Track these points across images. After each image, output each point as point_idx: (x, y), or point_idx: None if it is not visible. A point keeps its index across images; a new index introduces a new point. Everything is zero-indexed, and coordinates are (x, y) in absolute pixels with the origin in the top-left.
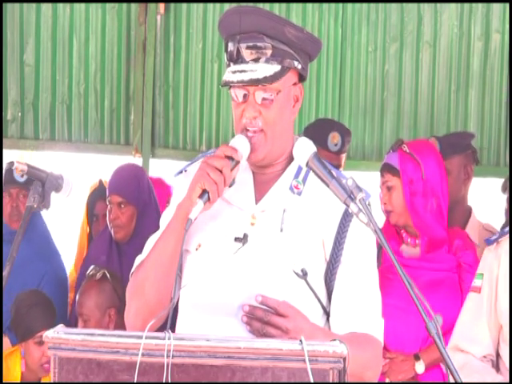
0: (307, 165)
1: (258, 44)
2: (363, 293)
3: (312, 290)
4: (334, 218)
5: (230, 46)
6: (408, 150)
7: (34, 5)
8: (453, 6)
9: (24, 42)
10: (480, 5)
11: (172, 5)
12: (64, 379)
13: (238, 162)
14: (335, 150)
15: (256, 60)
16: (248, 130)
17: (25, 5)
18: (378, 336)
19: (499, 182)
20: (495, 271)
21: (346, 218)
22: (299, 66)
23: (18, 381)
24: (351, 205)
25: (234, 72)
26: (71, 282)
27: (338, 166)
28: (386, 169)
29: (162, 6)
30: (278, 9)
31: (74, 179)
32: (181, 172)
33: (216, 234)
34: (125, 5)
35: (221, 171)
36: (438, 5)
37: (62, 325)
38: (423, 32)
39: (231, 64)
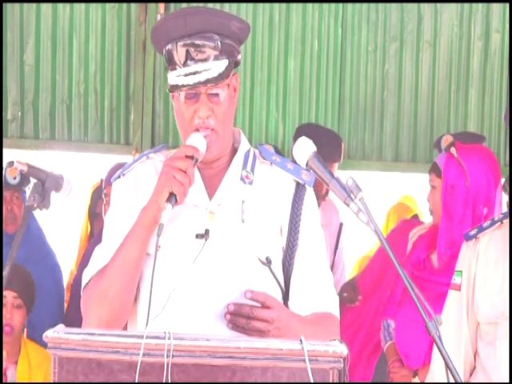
0: (307, 164)
1: (208, 43)
2: (319, 273)
3: (275, 276)
4: (286, 203)
5: (174, 51)
6: (456, 154)
7: (34, 5)
8: (453, 5)
9: (24, 42)
10: (480, 5)
11: (172, 5)
12: (64, 379)
13: (197, 161)
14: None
15: (206, 59)
16: (199, 131)
17: (25, 5)
18: (335, 313)
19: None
20: (473, 268)
21: (298, 201)
22: (239, 57)
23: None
24: (351, 204)
25: (187, 75)
26: (71, 280)
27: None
28: (433, 168)
29: (161, 5)
30: (278, 9)
31: (73, 179)
32: (118, 177)
33: (175, 233)
34: (125, 5)
35: (185, 172)
36: (438, 5)
37: (61, 324)
38: (423, 32)
39: (177, 67)
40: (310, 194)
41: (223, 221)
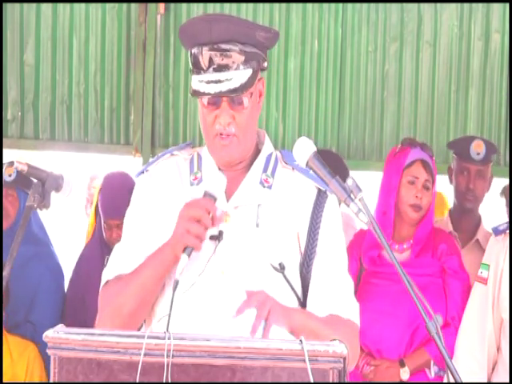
0: (307, 164)
1: (231, 51)
2: (338, 280)
3: (289, 283)
4: (306, 209)
5: (199, 55)
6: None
7: (34, 5)
8: (453, 6)
9: (24, 42)
10: (480, 5)
11: (172, 5)
12: (64, 379)
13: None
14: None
15: (229, 67)
16: (221, 135)
17: (25, 5)
18: (355, 320)
19: (499, 181)
20: (501, 263)
21: (318, 208)
22: (265, 64)
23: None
24: (351, 204)
25: (209, 82)
26: None
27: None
28: (429, 168)
29: (161, 5)
30: (278, 9)
31: (74, 179)
32: (142, 172)
33: None
34: (125, 5)
35: (200, 221)
36: (438, 5)
37: (61, 324)
38: (423, 32)
39: (201, 72)
40: (331, 202)
41: (238, 224)
